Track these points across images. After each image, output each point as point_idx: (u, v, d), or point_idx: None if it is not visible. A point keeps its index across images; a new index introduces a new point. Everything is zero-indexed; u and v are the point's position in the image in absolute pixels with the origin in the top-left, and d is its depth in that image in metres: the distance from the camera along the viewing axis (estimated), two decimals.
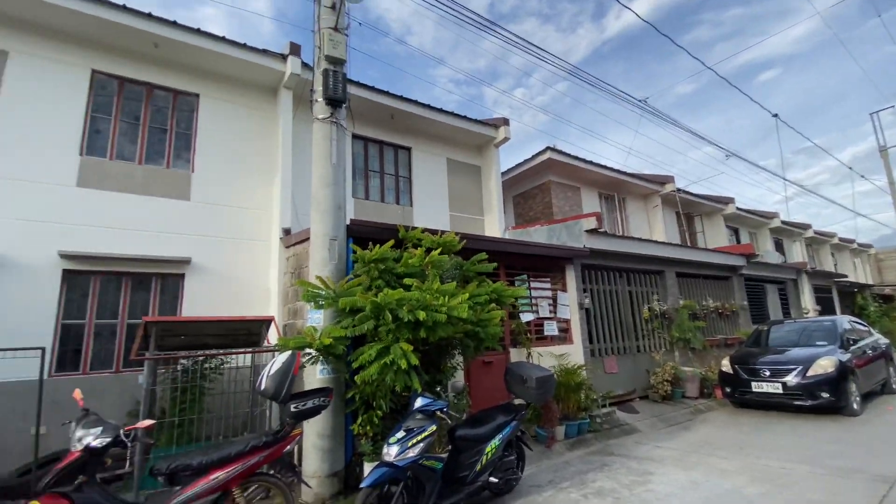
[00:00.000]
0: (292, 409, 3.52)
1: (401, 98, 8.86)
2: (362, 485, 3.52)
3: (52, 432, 4.67)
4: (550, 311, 7.74)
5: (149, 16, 6.38)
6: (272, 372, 3.52)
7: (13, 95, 5.81)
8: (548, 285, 7.96)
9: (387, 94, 8.66)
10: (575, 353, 7.66)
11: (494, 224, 10.14)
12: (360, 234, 5.25)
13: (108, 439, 2.90)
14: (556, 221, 9.38)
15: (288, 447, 3.55)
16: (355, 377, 4.25)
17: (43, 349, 4.01)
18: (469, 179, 10.51)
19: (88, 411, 3.12)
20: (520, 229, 10.08)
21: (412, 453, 3.59)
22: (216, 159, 7.12)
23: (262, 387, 3.49)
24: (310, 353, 4.25)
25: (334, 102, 5.12)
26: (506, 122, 10.40)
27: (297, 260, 6.29)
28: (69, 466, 2.82)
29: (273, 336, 5.88)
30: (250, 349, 5.57)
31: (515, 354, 6.88)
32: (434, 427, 3.76)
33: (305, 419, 3.70)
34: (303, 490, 4.21)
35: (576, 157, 12.36)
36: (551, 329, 7.59)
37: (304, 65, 7.43)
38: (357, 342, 4.46)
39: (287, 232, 6.98)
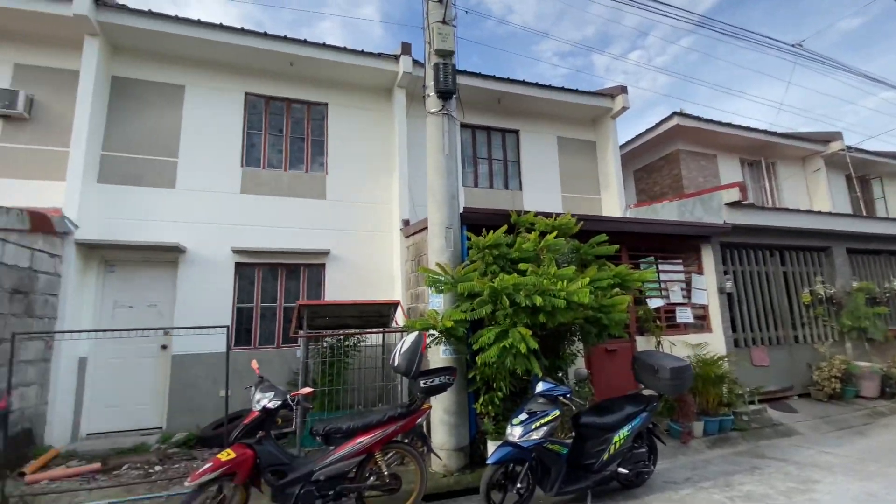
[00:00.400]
0: (422, 385, 3.81)
1: (507, 80, 8.74)
2: (488, 461, 3.67)
3: (234, 394, 5.72)
4: (684, 297, 7.03)
5: (285, 38, 7.27)
6: (403, 350, 3.84)
7: (191, 122, 7.15)
8: (680, 267, 7.23)
9: (493, 78, 8.62)
10: (715, 342, 6.87)
11: (614, 202, 9.48)
12: (473, 222, 5.37)
13: (279, 402, 3.49)
14: (689, 195, 8.42)
15: (419, 419, 3.86)
16: (476, 358, 4.41)
17: (228, 327, 4.95)
18: (583, 157, 9.96)
19: (263, 378, 3.77)
20: (643, 206, 9.27)
21: (536, 436, 3.63)
22: (344, 161, 7.89)
23: (395, 363, 3.84)
24: (433, 335, 4.51)
25: (445, 95, 5.27)
26: (623, 90, 9.58)
27: (416, 248, 6.69)
28: (252, 423, 3.46)
29: (400, 318, 6.38)
30: (382, 329, 6.13)
31: (643, 343, 6.42)
32: (557, 412, 3.74)
33: (433, 395, 3.96)
34: (433, 460, 4.53)
35: (710, 121, 10.87)
36: (685, 316, 6.89)
37: (415, 62, 7.76)
38: (476, 325, 4.61)
39: (406, 223, 7.45)
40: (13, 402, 4.75)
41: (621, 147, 11.07)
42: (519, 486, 3.70)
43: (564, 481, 3.79)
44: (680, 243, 7.22)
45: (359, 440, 3.58)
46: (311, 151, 7.86)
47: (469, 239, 4.96)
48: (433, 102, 5.32)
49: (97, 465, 4.87)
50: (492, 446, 4.36)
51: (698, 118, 10.76)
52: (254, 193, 7.26)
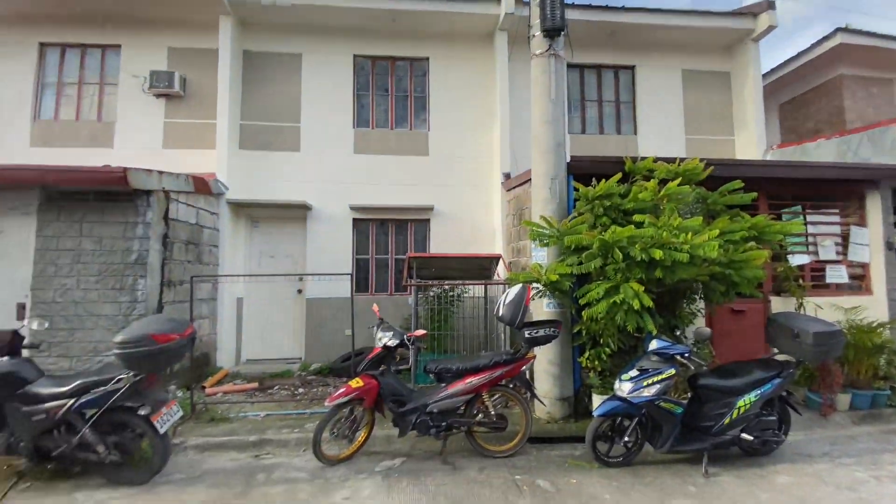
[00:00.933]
0: (526, 335, 3.91)
1: (622, 9, 7.80)
2: (595, 413, 3.70)
3: (356, 334, 6.43)
4: (838, 253, 5.98)
5: None
6: (507, 301, 3.95)
7: (309, 88, 7.73)
8: (835, 219, 6.10)
9: (604, 8, 7.76)
10: (874, 306, 5.80)
11: (750, 144, 8.17)
12: (580, 171, 5.09)
13: (398, 341, 3.89)
14: (853, 131, 6.93)
15: (524, 367, 4.00)
16: (582, 313, 4.34)
17: (351, 275, 5.53)
18: (713, 91, 8.63)
19: (383, 320, 4.21)
20: (789, 147, 7.88)
21: (647, 393, 3.54)
22: (445, 116, 7.93)
23: (500, 313, 3.97)
24: (537, 288, 4.52)
25: (552, 32, 4.92)
26: (769, 5, 7.94)
27: (517, 202, 6.61)
28: (375, 358, 3.91)
29: (501, 271, 6.48)
30: (484, 281, 6.32)
31: (779, 304, 5.68)
32: (673, 371, 3.58)
33: (537, 345, 4.05)
34: (536, 406, 4.69)
35: (887, 36, 8.57)
36: (838, 275, 5.89)
37: (517, 0, 7.30)
38: (581, 279, 4.49)
39: (507, 176, 7.35)
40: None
41: (763, 77, 9.35)
42: (626, 439, 3.69)
43: (677, 440, 3.67)
44: (837, 190, 6.04)
45: (468, 380, 3.84)
46: (414, 109, 8.03)
47: (576, 190, 4.74)
48: (538, 43, 5.01)
49: (255, 384, 5.96)
50: (597, 399, 4.36)
51: (870, 34, 8.55)
52: (365, 153, 7.72)
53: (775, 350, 4.13)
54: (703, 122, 8.52)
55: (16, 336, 3.67)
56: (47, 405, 3.24)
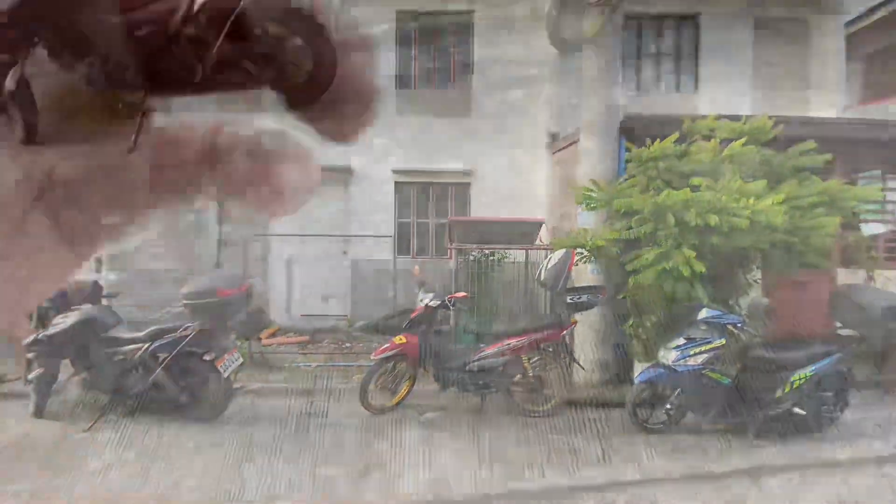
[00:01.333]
0: (568, 301, 3.90)
1: None
2: (637, 379, 3.69)
3: (398, 294, 6.62)
4: None
5: None
6: (550, 266, 3.93)
7: None
8: None
9: None
10: None
11: (828, 100, 7.37)
12: (634, 131, 4.83)
13: (439, 302, 4.00)
14: None
15: (564, 332, 4.02)
16: (628, 279, 4.24)
17: (393, 237, 5.64)
18: (786, 42, 7.73)
19: (425, 282, 4.31)
20: (873, 105, 7.07)
21: (693, 362, 3.47)
22: (488, 74, 7.60)
23: (542, 278, 3.96)
24: (582, 253, 4.43)
25: None
26: None
27: (563, 165, 6.40)
28: (417, 317, 4.04)
29: (544, 236, 6.38)
30: (527, 246, 6.26)
31: (845, 276, 5.27)
32: (722, 341, 3.48)
33: (579, 311, 4.04)
34: (576, 371, 4.70)
35: None
36: None
37: None
38: (629, 245, 4.35)
39: (553, 138, 7.08)
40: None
41: (846, 25, 8.28)
42: (668, 407, 3.65)
43: (722, 411, 3.59)
44: None
45: (507, 342, 3.91)
46: (456, 68, 7.79)
47: (628, 151, 4.53)
48: None
49: (306, 338, 6.34)
50: (638, 367, 4.31)
51: None
52: (406, 115, 7.60)
53: (838, 324, 3.90)
54: (773, 76, 7.71)
55: (96, 286, 4.06)
56: (126, 348, 3.61)
